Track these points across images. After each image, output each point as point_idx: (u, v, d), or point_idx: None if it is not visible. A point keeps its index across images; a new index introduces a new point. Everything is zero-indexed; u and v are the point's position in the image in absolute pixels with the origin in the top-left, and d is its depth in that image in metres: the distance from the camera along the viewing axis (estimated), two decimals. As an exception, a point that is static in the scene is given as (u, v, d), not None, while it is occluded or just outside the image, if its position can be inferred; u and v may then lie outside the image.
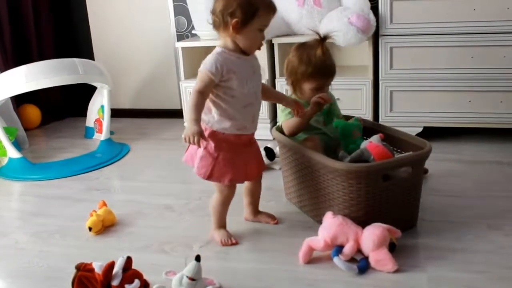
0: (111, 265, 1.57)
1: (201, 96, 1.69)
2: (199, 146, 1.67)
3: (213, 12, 1.74)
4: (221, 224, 1.89)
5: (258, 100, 1.83)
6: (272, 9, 1.73)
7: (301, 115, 1.93)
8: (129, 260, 1.61)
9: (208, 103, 1.76)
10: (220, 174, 1.77)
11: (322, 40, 1.97)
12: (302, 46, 2.03)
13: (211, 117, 1.76)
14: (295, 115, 1.94)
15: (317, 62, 1.95)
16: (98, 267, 1.58)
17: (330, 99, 1.99)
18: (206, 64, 1.71)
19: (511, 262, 1.63)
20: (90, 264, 1.61)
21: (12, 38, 3.42)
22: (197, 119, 1.67)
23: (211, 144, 1.76)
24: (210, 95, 1.74)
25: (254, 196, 1.98)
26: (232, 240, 1.86)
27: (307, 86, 1.99)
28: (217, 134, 1.77)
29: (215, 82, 1.71)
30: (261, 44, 1.77)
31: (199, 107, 1.69)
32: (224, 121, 1.75)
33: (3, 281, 1.74)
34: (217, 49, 1.75)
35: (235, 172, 1.78)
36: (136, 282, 1.56)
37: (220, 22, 1.72)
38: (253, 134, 1.86)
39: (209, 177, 1.77)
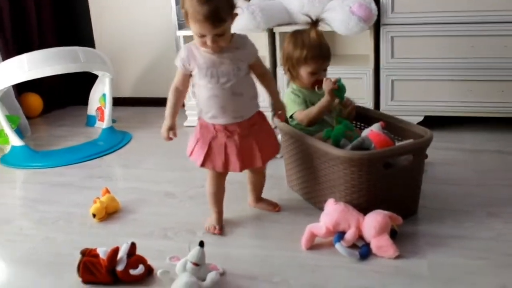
0: (116, 251, 1.59)
1: (174, 91, 1.83)
2: (167, 139, 1.82)
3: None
4: (213, 209, 1.90)
5: (227, 92, 1.76)
6: (199, 21, 1.61)
7: (328, 92, 1.96)
8: (133, 245, 1.63)
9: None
10: (197, 156, 1.82)
11: (314, 23, 2.01)
12: (295, 32, 2.08)
13: (196, 104, 1.85)
14: (273, 118, 1.99)
15: (311, 44, 1.99)
16: (102, 252, 1.61)
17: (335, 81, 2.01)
18: (176, 59, 1.79)
19: (510, 249, 1.65)
20: (95, 250, 1.63)
21: (12, 26, 3.41)
22: (169, 114, 1.82)
23: (197, 128, 1.85)
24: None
25: (254, 186, 2.00)
26: (215, 230, 1.86)
27: (304, 71, 2.02)
28: (200, 120, 1.85)
29: (188, 74, 1.79)
30: (208, 46, 1.69)
31: (171, 102, 1.83)
32: (199, 108, 1.84)
33: (9, 266, 1.77)
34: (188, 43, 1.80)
35: (207, 158, 1.80)
36: (141, 267, 1.58)
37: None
38: (235, 126, 1.79)
39: (190, 155, 1.86)
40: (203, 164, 1.81)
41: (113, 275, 1.58)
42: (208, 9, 1.58)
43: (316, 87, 2.04)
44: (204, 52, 1.73)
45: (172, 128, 1.80)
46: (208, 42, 1.66)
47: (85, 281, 1.60)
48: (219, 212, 1.91)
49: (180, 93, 1.83)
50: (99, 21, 3.73)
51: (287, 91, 2.12)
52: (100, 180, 2.46)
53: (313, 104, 2.03)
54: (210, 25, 1.61)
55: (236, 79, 1.76)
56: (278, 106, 1.93)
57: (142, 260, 1.61)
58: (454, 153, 2.49)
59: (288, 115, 2.05)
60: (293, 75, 2.07)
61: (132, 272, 1.57)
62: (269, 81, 1.90)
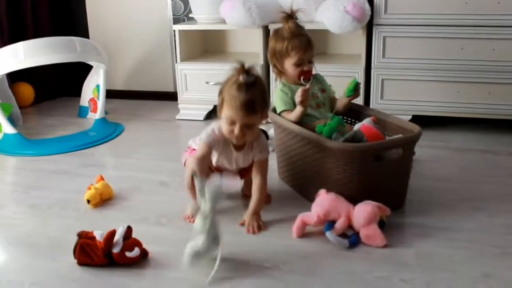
0: (112, 233, 1.62)
1: (203, 160, 1.80)
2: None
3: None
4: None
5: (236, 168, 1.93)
6: (235, 106, 1.71)
7: (299, 103, 1.99)
8: (129, 229, 1.67)
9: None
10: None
11: (290, 16, 2.09)
12: (277, 29, 2.15)
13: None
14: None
15: (290, 36, 2.05)
16: (99, 235, 1.64)
17: (311, 70, 2.09)
18: (203, 138, 1.82)
19: (493, 240, 1.71)
20: (91, 233, 1.66)
21: (8, 15, 3.43)
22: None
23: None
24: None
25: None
26: (192, 219, 1.88)
27: (288, 63, 2.08)
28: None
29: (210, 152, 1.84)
30: (235, 137, 1.77)
31: (202, 172, 1.76)
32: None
33: (4, 249, 1.79)
34: (212, 127, 1.83)
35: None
36: (136, 250, 1.62)
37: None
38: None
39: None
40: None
41: (109, 257, 1.62)
42: (245, 97, 1.69)
43: (301, 79, 2.09)
44: (223, 142, 1.83)
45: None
46: (236, 130, 1.74)
47: (81, 263, 1.63)
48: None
49: (207, 164, 1.86)
50: (94, 12, 3.75)
51: (278, 87, 2.18)
52: (93, 168, 2.49)
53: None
54: (244, 112, 1.71)
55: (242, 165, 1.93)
56: (252, 210, 1.88)
57: (137, 243, 1.65)
58: (440, 151, 2.55)
59: (278, 111, 2.13)
60: (280, 70, 2.13)
61: (128, 254, 1.61)
62: (259, 185, 1.87)
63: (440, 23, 2.68)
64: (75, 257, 1.63)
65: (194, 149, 1.93)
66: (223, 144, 1.85)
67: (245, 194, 2.08)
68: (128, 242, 1.63)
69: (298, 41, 2.05)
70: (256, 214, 1.86)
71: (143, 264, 1.64)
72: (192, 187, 1.75)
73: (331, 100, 2.19)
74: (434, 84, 2.78)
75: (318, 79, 2.20)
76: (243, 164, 1.91)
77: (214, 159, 1.89)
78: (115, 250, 1.61)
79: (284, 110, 2.10)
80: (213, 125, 1.83)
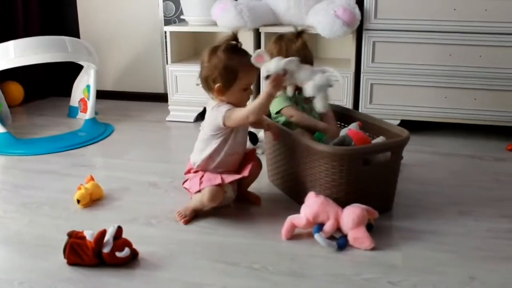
0: (103, 233, 1.63)
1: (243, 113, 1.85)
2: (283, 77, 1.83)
3: (199, 77, 1.93)
4: (194, 208, 1.95)
5: (243, 151, 1.99)
6: (252, 68, 1.86)
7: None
8: (119, 229, 1.68)
9: (202, 144, 1.94)
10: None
11: (300, 33, 2.10)
12: (280, 38, 2.16)
13: (200, 159, 1.94)
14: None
15: (295, 54, 2.04)
16: (89, 235, 1.65)
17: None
18: (225, 108, 1.87)
19: (479, 243, 1.74)
20: (82, 232, 1.67)
21: (-2, 14, 3.42)
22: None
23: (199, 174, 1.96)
24: (209, 136, 1.92)
25: (247, 180, 2.04)
26: (184, 218, 1.91)
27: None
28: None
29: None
30: (247, 100, 1.92)
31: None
32: (210, 163, 1.93)
33: (-6, 247, 1.79)
34: (217, 104, 1.90)
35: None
36: (126, 250, 1.63)
37: (206, 87, 1.93)
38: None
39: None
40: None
41: (99, 257, 1.63)
42: (249, 57, 1.84)
43: (296, 92, 2.11)
44: None
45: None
46: (250, 92, 1.90)
47: (70, 263, 1.64)
48: (198, 211, 1.96)
49: None
50: (85, 12, 3.75)
51: None
52: (83, 168, 2.49)
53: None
54: (256, 69, 1.85)
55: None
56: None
57: (127, 244, 1.66)
58: (428, 156, 2.59)
59: (274, 111, 2.12)
60: None
61: (118, 254, 1.62)
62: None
63: (429, 29, 2.72)
64: (65, 257, 1.64)
65: (197, 171, 1.96)
66: None
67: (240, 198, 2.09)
68: (118, 242, 1.64)
69: (303, 60, 1.99)
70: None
71: (133, 264, 1.64)
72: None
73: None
74: (422, 89, 2.81)
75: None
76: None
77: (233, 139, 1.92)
78: (105, 250, 1.62)
79: (283, 107, 2.11)
80: (217, 104, 1.89)
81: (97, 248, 1.62)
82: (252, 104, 1.84)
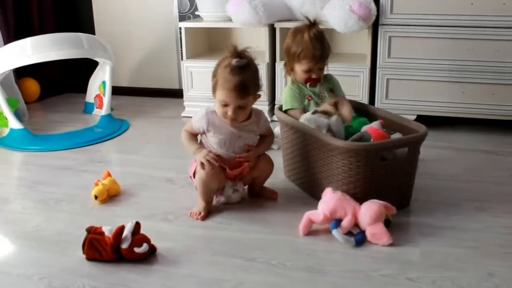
0: (121, 229, 1.64)
1: (187, 132, 1.96)
2: (214, 163, 1.85)
3: None
4: (201, 198, 1.96)
5: (237, 153, 1.95)
6: (227, 89, 1.79)
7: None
8: (137, 225, 1.69)
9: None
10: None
11: (312, 24, 2.10)
12: (296, 29, 2.17)
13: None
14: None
15: (305, 45, 2.08)
16: (108, 231, 1.66)
17: (319, 77, 2.15)
18: (195, 118, 1.93)
19: (497, 239, 1.73)
20: (100, 228, 1.68)
21: (14, 12, 3.44)
22: (198, 147, 1.92)
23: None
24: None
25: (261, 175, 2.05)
26: (199, 215, 1.91)
27: (298, 68, 2.13)
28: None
29: (199, 133, 1.96)
30: (229, 119, 1.86)
31: (190, 139, 1.95)
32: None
33: (13, 243, 1.81)
34: (208, 108, 1.92)
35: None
36: (145, 245, 1.64)
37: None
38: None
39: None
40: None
41: (117, 253, 1.64)
42: (237, 79, 1.78)
43: (308, 85, 2.14)
44: (220, 121, 1.88)
45: (209, 152, 1.88)
46: (229, 112, 1.81)
47: (89, 258, 1.65)
48: (208, 202, 1.96)
49: (191, 134, 1.97)
50: (100, 9, 3.76)
51: (287, 86, 2.21)
52: (100, 164, 2.50)
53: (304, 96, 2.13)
54: (236, 94, 1.79)
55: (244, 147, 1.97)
56: (255, 151, 1.97)
57: (146, 239, 1.66)
58: (445, 152, 2.57)
59: (284, 108, 2.16)
60: (289, 69, 2.18)
61: (137, 250, 1.63)
62: (267, 138, 2.02)
63: (445, 24, 2.69)
64: (83, 252, 1.65)
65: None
66: (221, 125, 1.90)
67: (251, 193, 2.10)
68: (137, 238, 1.65)
69: (312, 52, 2.07)
70: (256, 151, 1.96)
71: (150, 260, 1.65)
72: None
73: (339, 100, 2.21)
74: (439, 84, 2.79)
75: (328, 79, 2.22)
76: (248, 141, 1.95)
77: (215, 142, 1.92)
78: (124, 245, 1.63)
79: (291, 109, 2.13)
80: (208, 108, 1.92)
81: (116, 244, 1.63)
82: (187, 139, 1.95)
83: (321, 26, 2.14)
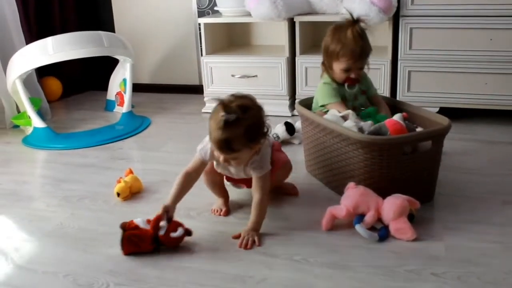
0: (159, 218, 1.68)
1: (185, 175, 1.81)
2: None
3: None
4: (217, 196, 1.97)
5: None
6: (213, 142, 1.66)
7: None
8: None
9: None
10: None
11: (354, 22, 2.03)
12: (338, 27, 2.09)
13: None
14: None
15: (346, 43, 2.02)
16: (141, 222, 1.68)
17: (359, 77, 2.09)
18: (202, 151, 1.80)
19: (524, 234, 1.70)
20: (132, 222, 1.70)
21: (36, 11, 3.48)
22: (173, 194, 1.77)
23: None
24: None
25: None
26: (221, 212, 1.92)
27: (336, 66, 2.07)
28: None
29: (205, 163, 1.83)
30: (222, 167, 1.84)
31: (179, 185, 1.79)
32: None
33: (39, 240, 1.82)
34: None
35: None
36: (180, 230, 1.67)
37: None
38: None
39: None
40: None
41: (155, 242, 1.67)
42: (220, 137, 1.61)
43: (346, 85, 2.09)
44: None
45: (167, 210, 1.72)
46: (221, 160, 1.70)
47: (127, 253, 1.67)
48: (224, 197, 1.97)
49: (192, 180, 1.82)
50: (119, 7, 3.78)
51: (320, 84, 2.17)
52: (122, 161, 2.52)
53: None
54: (221, 151, 1.65)
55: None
56: (250, 227, 1.77)
57: (180, 224, 1.70)
58: (468, 144, 2.53)
59: (319, 103, 2.12)
60: (327, 67, 2.12)
61: (173, 235, 1.66)
62: (258, 202, 1.78)
63: (468, 14, 2.65)
64: (122, 249, 1.67)
65: None
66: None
67: None
68: (171, 224, 1.69)
69: (352, 50, 2.01)
70: (254, 231, 1.74)
71: (175, 256, 1.66)
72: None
73: (371, 99, 2.18)
74: (462, 75, 2.75)
75: (363, 78, 2.16)
76: (246, 175, 1.84)
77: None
78: (161, 232, 1.66)
79: (330, 103, 2.09)
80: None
81: (155, 234, 1.66)
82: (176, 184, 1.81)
83: (362, 24, 2.06)
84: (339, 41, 2.03)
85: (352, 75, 2.06)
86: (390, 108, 2.16)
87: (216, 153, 1.70)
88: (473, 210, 1.86)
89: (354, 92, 2.12)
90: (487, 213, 1.84)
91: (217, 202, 1.97)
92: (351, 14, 2.05)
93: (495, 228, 1.74)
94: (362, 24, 2.05)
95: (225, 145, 1.62)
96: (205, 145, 1.79)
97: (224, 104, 1.60)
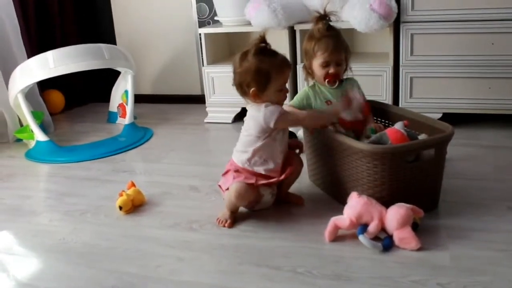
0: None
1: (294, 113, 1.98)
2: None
3: (233, 84, 1.94)
4: (228, 209, 1.95)
5: (286, 149, 1.99)
6: (284, 68, 1.88)
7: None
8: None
9: (245, 145, 1.92)
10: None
11: (321, 17, 2.05)
12: (311, 29, 2.11)
13: (245, 159, 1.92)
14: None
15: (317, 37, 2.03)
16: None
17: (338, 73, 2.06)
18: (275, 109, 1.87)
19: (531, 241, 1.68)
20: None
21: (36, 24, 3.49)
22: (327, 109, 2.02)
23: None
24: (255, 137, 1.90)
25: (287, 180, 2.02)
26: (225, 223, 1.91)
27: (315, 64, 2.06)
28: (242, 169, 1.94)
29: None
30: (284, 100, 1.93)
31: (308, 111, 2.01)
32: (256, 163, 1.92)
33: (41, 256, 1.82)
34: (264, 104, 1.88)
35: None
36: None
37: (241, 93, 1.94)
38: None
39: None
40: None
41: None
42: (280, 57, 1.91)
43: (326, 81, 2.06)
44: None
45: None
46: (332, 70, 2.03)
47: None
48: (234, 212, 1.95)
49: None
50: (120, 18, 3.79)
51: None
52: (124, 174, 2.51)
53: (323, 101, 2.07)
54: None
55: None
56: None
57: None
58: (472, 150, 2.51)
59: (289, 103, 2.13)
60: (308, 71, 2.11)
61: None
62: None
63: (469, 18, 2.63)
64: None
65: (237, 171, 1.93)
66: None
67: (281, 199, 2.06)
68: None
69: (325, 42, 2.01)
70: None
71: (179, 270, 1.65)
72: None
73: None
74: (464, 80, 2.73)
75: (350, 83, 2.13)
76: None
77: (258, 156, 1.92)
78: None
79: (290, 104, 2.09)
80: (269, 109, 1.86)
81: None
82: (314, 111, 2.00)
83: (332, 17, 2.06)
84: (312, 38, 2.04)
85: (331, 70, 2.03)
86: (391, 116, 2.14)
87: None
88: (478, 218, 1.84)
89: (338, 93, 2.08)
90: (492, 220, 1.82)
91: (224, 213, 1.95)
92: (317, 11, 2.06)
93: (501, 236, 1.71)
94: (332, 18, 2.06)
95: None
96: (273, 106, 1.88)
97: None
